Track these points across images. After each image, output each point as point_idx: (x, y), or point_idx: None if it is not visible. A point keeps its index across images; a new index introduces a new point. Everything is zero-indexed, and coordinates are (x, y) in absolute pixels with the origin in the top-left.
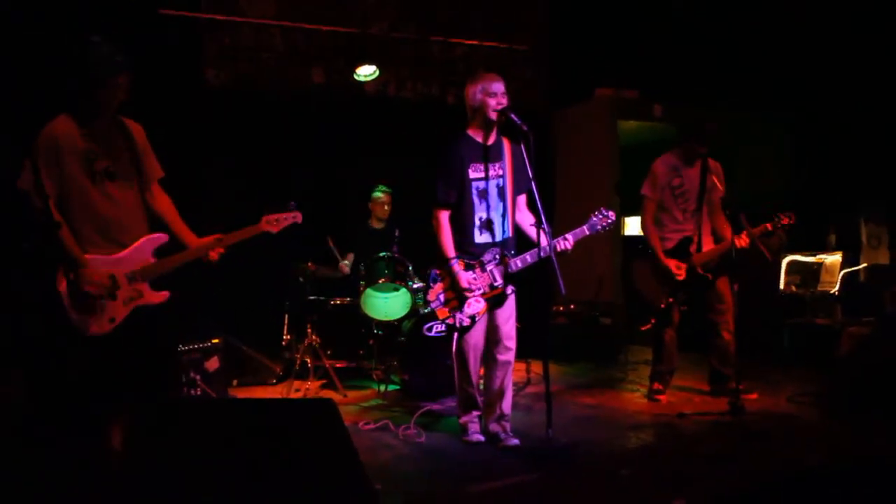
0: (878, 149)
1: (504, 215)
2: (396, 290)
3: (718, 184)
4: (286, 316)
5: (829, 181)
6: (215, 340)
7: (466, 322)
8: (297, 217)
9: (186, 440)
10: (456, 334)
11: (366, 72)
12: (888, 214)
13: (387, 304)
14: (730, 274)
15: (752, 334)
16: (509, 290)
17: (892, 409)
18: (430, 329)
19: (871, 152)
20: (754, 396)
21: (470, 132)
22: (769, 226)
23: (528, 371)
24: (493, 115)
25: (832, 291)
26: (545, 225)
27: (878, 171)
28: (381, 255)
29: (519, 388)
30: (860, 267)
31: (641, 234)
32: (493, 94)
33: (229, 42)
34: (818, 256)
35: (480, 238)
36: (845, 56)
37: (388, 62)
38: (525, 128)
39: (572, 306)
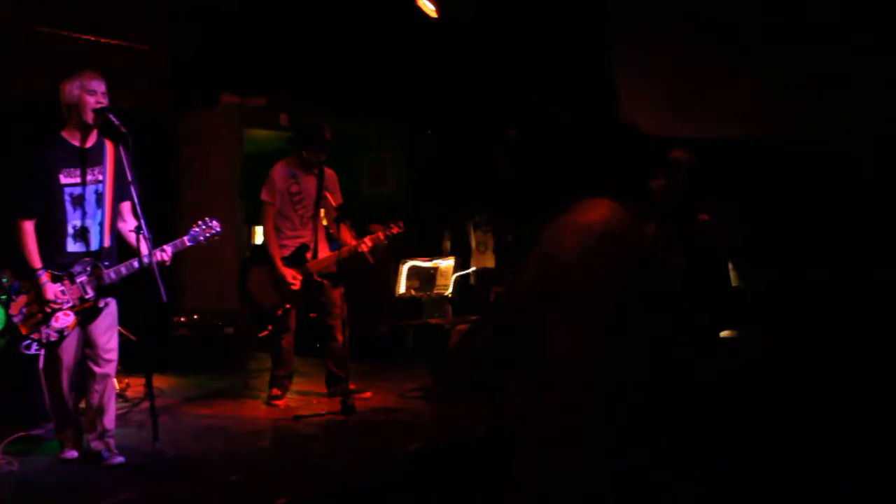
0: (483, 159)
1: (102, 223)
2: None
3: (331, 196)
4: None
5: (444, 189)
6: None
7: (54, 337)
8: None
9: None
10: (43, 350)
11: None
12: (492, 222)
13: None
14: (336, 279)
15: (375, 337)
16: (102, 303)
17: (480, 393)
18: (28, 347)
19: (480, 162)
20: (368, 395)
21: (65, 134)
22: (381, 235)
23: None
24: (90, 115)
25: (446, 293)
26: (146, 232)
27: (484, 180)
28: None
29: (135, 402)
30: (470, 270)
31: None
32: (93, 93)
33: None
34: (434, 262)
35: (74, 247)
36: (457, 67)
37: None
38: (123, 129)
39: (195, 316)
